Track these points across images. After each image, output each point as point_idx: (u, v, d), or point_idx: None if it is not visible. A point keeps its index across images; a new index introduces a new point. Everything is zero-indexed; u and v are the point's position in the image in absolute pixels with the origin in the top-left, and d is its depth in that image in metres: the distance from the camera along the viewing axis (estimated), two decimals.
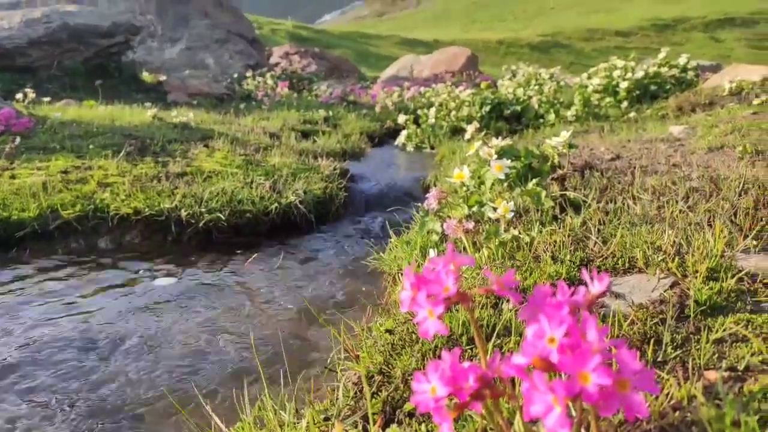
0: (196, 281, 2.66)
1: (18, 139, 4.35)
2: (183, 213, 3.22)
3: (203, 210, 3.27)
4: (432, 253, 1.85)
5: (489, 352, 1.26)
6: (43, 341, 1.99)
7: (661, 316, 1.33)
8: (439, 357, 0.79)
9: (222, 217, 3.26)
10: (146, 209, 3.21)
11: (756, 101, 5.66)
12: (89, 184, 3.50)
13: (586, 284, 0.83)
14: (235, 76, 12.69)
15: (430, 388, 0.76)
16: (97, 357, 1.90)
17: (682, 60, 8.20)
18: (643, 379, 0.66)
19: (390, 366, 1.37)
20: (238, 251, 3.11)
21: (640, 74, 7.39)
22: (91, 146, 4.42)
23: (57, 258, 2.90)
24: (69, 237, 3.08)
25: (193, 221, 3.22)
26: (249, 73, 12.37)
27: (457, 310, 1.45)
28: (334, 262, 3.02)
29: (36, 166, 3.78)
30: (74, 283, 2.58)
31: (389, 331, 1.58)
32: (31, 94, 6.73)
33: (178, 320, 2.21)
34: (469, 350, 1.35)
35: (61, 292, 2.46)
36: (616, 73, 7.46)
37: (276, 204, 3.49)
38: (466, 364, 0.79)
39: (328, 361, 1.71)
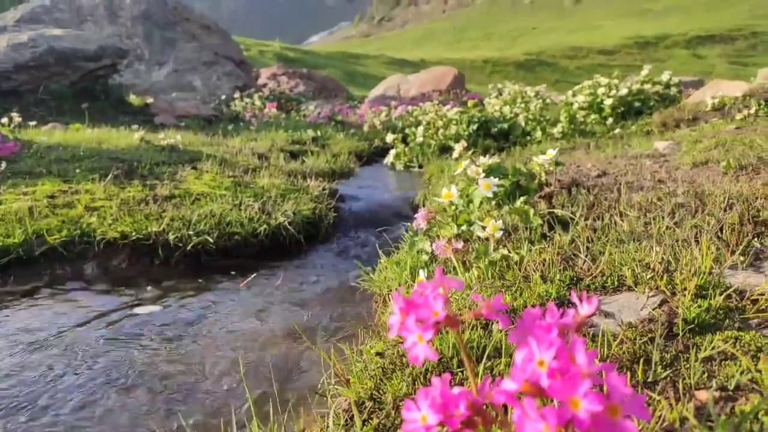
0: (182, 306, 2.62)
1: (3, 164, 4.31)
2: (171, 236, 3.19)
3: (191, 233, 3.24)
4: (422, 273, 1.85)
5: (480, 376, 1.25)
6: (18, 371, 1.95)
7: (650, 335, 1.33)
8: (430, 381, 0.78)
9: (210, 239, 3.24)
10: (133, 233, 3.18)
11: (738, 116, 5.76)
12: (76, 208, 3.47)
13: (575, 306, 0.83)
14: (223, 97, 12.73)
15: (420, 416, 0.75)
16: (77, 388, 1.86)
17: (664, 77, 8.36)
18: (634, 405, 0.66)
19: (381, 391, 1.35)
20: (227, 274, 3.09)
21: (624, 91, 7.52)
22: (77, 170, 4.38)
23: (42, 284, 2.85)
24: (55, 263, 3.04)
25: (181, 244, 3.19)
26: (237, 95, 12.41)
27: (447, 332, 1.44)
28: (324, 283, 3.00)
29: (22, 191, 3.74)
30: (56, 310, 2.53)
31: (380, 354, 1.57)
32: (17, 119, 6.69)
33: (165, 347, 2.17)
34: (459, 373, 1.34)
35: (42, 320, 2.41)
36: (600, 91, 7.58)
37: (265, 225, 3.47)
38: (456, 389, 0.78)
39: (319, 386, 1.69)
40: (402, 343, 0.81)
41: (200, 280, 2.98)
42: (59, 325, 2.36)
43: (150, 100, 10.22)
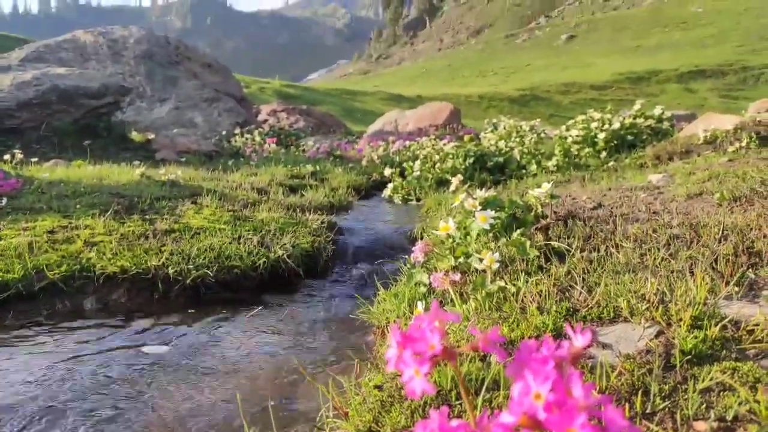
0: (181, 340, 2.61)
1: (5, 200, 4.35)
2: (170, 270, 3.20)
3: (191, 267, 3.25)
4: (420, 305, 1.86)
5: (478, 408, 1.26)
6: (14, 407, 1.93)
7: (648, 366, 1.33)
8: (428, 414, 0.79)
9: (210, 273, 3.25)
10: (133, 267, 3.19)
11: (731, 149, 5.86)
12: (76, 243, 3.48)
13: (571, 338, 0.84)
14: (224, 133, 12.89)
15: None
16: (72, 423, 1.84)
17: (657, 111, 8.51)
18: None
19: (379, 424, 1.35)
20: (226, 307, 3.08)
21: (616, 125, 7.64)
22: (78, 206, 4.41)
23: (41, 320, 2.85)
24: (54, 298, 3.03)
25: (180, 278, 3.19)
26: (237, 131, 12.58)
27: (445, 364, 1.44)
28: (323, 315, 3.00)
29: (22, 226, 3.76)
30: (56, 345, 2.52)
31: (378, 387, 1.57)
32: (19, 155, 6.76)
33: (162, 384, 2.16)
34: (458, 405, 1.34)
35: (41, 356, 2.40)
36: (593, 125, 7.71)
37: (264, 259, 3.49)
38: (454, 422, 0.79)
39: (317, 419, 1.68)
40: (400, 375, 0.82)
41: (200, 314, 2.98)
42: (58, 360, 2.34)
43: (151, 137, 10.35)
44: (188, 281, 3.18)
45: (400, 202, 7.22)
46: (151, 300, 3.15)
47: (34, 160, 7.12)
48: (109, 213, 4.15)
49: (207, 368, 2.29)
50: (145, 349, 2.51)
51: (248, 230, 3.98)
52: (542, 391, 0.70)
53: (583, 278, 2.04)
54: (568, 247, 2.50)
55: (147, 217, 4.22)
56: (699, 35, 69.40)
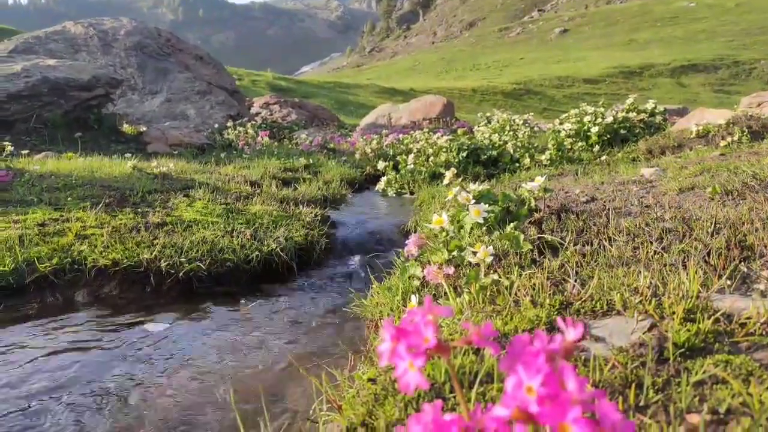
0: (172, 334, 2.60)
1: None
2: (162, 263, 3.18)
3: (183, 260, 3.24)
4: (413, 299, 1.86)
5: (472, 401, 1.26)
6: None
7: (641, 360, 1.34)
8: (422, 407, 0.79)
9: (202, 266, 3.23)
10: (125, 260, 3.16)
11: (722, 143, 5.89)
12: (67, 236, 3.45)
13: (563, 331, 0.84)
14: (216, 126, 12.80)
15: None
16: (60, 420, 1.83)
17: (649, 105, 8.54)
18: (624, 430, 0.66)
19: (373, 417, 1.35)
20: (219, 301, 3.07)
21: (609, 119, 7.66)
22: (69, 198, 4.37)
23: (32, 313, 2.82)
24: (45, 291, 3.01)
25: (173, 271, 3.18)
26: (230, 123, 12.49)
27: (439, 357, 1.44)
28: (316, 309, 2.99)
29: (12, 219, 3.72)
30: (45, 338, 2.50)
31: (372, 380, 1.56)
32: (9, 148, 6.69)
33: (150, 379, 2.15)
34: (452, 398, 1.34)
35: (30, 350, 2.38)
36: (586, 119, 7.72)
37: (257, 252, 3.47)
38: (448, 416, 0.79)
39: (310, 412, 1.68)
40: (394, 369, 0.82)
41: (192, 307, 2.96)
42: (48, 353, 2.33)
43: (143, 129, 10.26)
44: (181, 274, 3.17)
45: (393, 195, 7.21)
46: (144, 293, 3.14)
47: (24, 152, 7.05)
48: (100, 206, 4.12)
49: (198, 361, 2.28)
50: (134, 340, 2.49)
51: (241, 223, 3.97)
52: (534, 384, 0.70)
53: (576, 272, 2.04)
54: (561, 241, 2.50)
55: (139, 209, 4.19)
56: (691, 30, 69.58)
